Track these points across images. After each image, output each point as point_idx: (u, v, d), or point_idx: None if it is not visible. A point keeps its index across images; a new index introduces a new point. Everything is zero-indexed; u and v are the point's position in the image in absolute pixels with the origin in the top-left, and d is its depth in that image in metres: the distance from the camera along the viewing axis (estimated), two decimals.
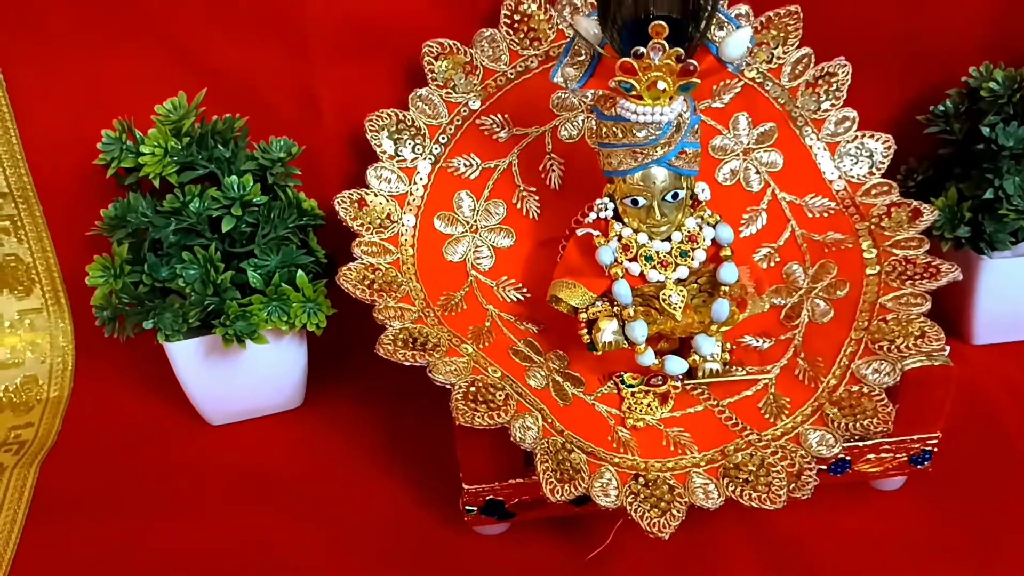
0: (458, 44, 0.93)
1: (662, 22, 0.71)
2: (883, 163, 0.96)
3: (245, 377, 0.92)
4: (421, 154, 0.93)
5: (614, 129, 0.79)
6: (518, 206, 0.95)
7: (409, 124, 0.93)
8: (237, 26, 0.93)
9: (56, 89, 0.94)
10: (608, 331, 0.83)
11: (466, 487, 0.81)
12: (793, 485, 0.77)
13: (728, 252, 0.83)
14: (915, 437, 0.84)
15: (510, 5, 0.95)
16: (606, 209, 0.83)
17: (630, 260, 0.82)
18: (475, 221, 0.94)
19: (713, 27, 0.75)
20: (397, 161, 0.92)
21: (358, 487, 0.91)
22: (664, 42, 0.72)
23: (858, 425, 0.79)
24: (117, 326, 0.86)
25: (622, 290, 0.81)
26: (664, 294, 0.82)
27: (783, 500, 0.75)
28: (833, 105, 0.97)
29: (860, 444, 0.84)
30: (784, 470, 0.77)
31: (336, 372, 1.02)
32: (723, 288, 0.83)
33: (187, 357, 0.89)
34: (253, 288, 0.87)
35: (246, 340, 0.86)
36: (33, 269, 1.02)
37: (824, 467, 0.85)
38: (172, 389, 0.94)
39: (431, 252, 0.91)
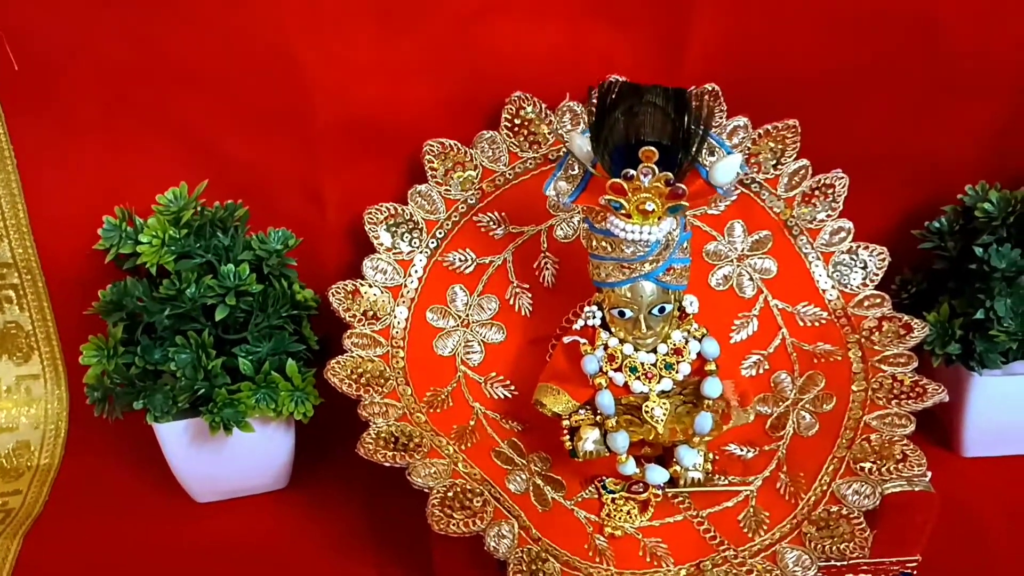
0: (458, 144, 0.95)
1: (653, 148, 0.72)
2: (877, 275, 0.97)
3: (231, 459, 0.93)
4: (418, 247, 0.94)
5: (603, 243, 0.80)
6: (511, 302, 0.96)
7: (407, 218, 0.94)
8: (247, 120, 0.96)
9: (66, 169, 0.97)
10: (589, 440, 0.84)
11: None
12: None
13: (713, 367, 0.83)
14: (893, 560, 0.84)
15: (511, 110, 0.97)
16: (594, 317, 0.84)
17: (615, 370, 0.83)
18: (467, 315, 0.94)
19: (704, 151, 0.76)
20: (394, 253, 0.94)
21: (329, 570, 0.91)
22: (654, 166, 0.73)
23: (834, 548, 0.79)
24: (107, 406, 0.88)
25: (605, 400, 0.82)
26: (647, 406, 0.83)
27: None
28: (829, 216, 0.98)
29: (836, 564, 0.84)
30: None
31: (322, 456, 1.02)
32: (706, 401, 0.83)
33: (175, 438, 0.90)
34: (243, 374, 0.88)
35: (232, 427, 0.87)
36: (33, 337, 1.03)
37: None
38: (160, 464, 0.95)
39: (421, 345, 0.92)
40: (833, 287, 0.97)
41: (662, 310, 0.81)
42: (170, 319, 0.87)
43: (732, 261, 0.98)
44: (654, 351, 0.83)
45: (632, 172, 0.74)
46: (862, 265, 0.97)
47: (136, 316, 0.87)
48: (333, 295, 0.89)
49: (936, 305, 0.97)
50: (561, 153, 0.93)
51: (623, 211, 0.76)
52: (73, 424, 1.06)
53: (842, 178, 0.97)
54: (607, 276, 0.80)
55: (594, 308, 0.84)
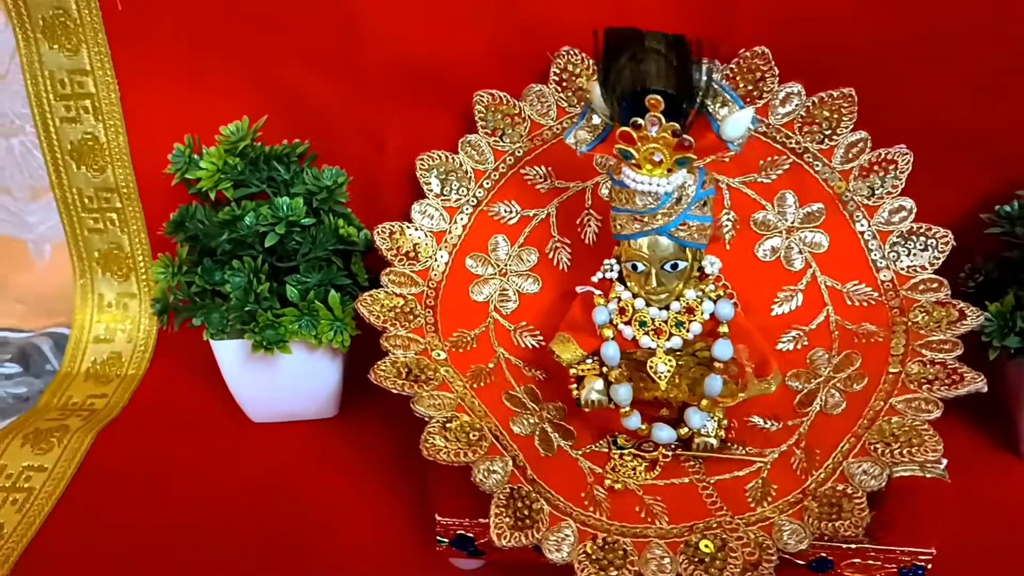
0: (508, 96, 0.97)
1: (657, 96, 0.73)
2: (938, 258, 0.92)
3: (279, 382, 0.99)
4: (465, 196, 0.98)
5: (620, 194, 0.80)
6: (550, 256, 0.97)
7: (457, 167, 0.98)
8: (313, 63, 1.02)
9: (160, 102, 1.06)
10: (593, 389, 0.85)
11: (438, 518, 0.85)
12: (750, 574, 0.76)
13: (725, 329, 0.82)
14: (904, 549, 0.80)
15: (559, 64, 0.98)
16: (611, 270, 0.85)
17: (625, 323, 0.83)
18: (506, 265, 0.97)
19: (717, 104, 0.76)
20: (442, 200, 0.97)
21: (367, 501, 0.96)
22: (660, 116, 0.73)
23: (828, 525, 0.76)
24: (166, 318, 0.96)
25: (609, 352, 0.82)
26: (651, 362, 0.83)
27: None
28: (889, 193, 0.93)
29: (843, 546, 0.81)
30: (743, 558, 0.76)
31: (370, 389, 1.07)
32: (717, 364, 0.82)
33: (229, 356, 0.98)
34: (291, 302, 0.94)
35: (273, 348, 0.93)
36: (131, 258, 1.14)
37: (802, 563, 0.82)
38: (223, 384, 1.03)
39: (458, 289, 0.95)
40: (888, 268, 0.93)
41: (675, 266, 0.81)
42: (230, 244, 0.94)
43: (781, 232, 0.95)
44: (667, 308, 0.83)
45: (640, 121, 0.74)
46: (922, 247, 0.92)
47: (200, 239, 0.95)
48: (378, 234, 0.94)
49: (1004, 296, 0.91)
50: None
51: (633, 161, 0.77)
52: (161, 341, 1.16)
53: (906, 154, 0.92)
54: (622, 228, 0.81)
55: (612, 261, 0.85)
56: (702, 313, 0.83)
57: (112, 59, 1.04)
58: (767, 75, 0.94)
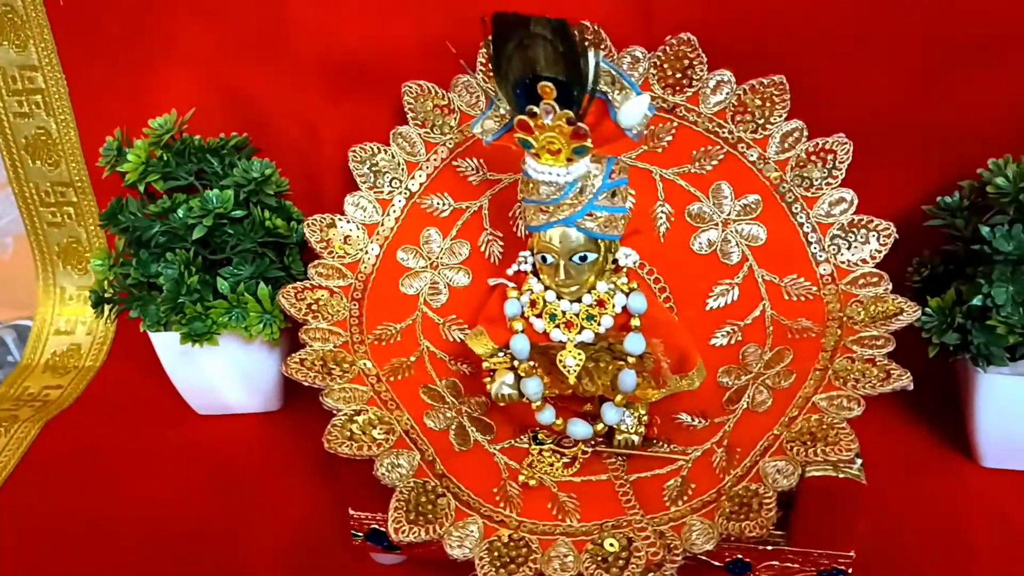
0: (436, 87, 0.96)
1: (549, 83, 0.71)
2: (879, 252, 0.88)
3: (216, 375, 1.00)
4: (398, 188, 0.97)
5: (527, 184, 0.78)
6: (482, 248, 0.96)
7: (389, 158, 0.97)
8: (248, 54, 1.02)
9: (108, 96, 1.07)
10: (502, 383, 0.83)
11: (351, 512, 0.84)
12: (650, 574, 0.74)
13: (637, 323, 0.80)
14: (822, 552, 0.77)
15: (485, 54, 0.96)
16: (526, 262, 0.83)
17: (536, 316, 0.82)
18: (438, 258, 0.96)
19: (616, 91, 0.74)
20: (375, 192, 0.96)
21: (301, 494, 0.95)
22: (554, 103, 0.72)
23: (734, 525, 0.74)
24: (102, 310, 0.97)
25: (517, 345, 0.80)
26: (561, 355, 0.81)
27: None
28: (828, 184, 0.90)
29: (760, 547, 0.78)
30: (646, 557, 0.74)
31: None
32: (630, 359, 0.80)
33: (167, 348, 0.98)
34: (223, 294, 0.94)
35: (201, 340, 0.93)
36: (89, 252, 1.15)
37: (720, 565, 0.80)
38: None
39: (387, 282, 0.94)
40: (828, 261, 0.89)
41: (584, 258, 0.78)
42: (164, 236, 0.94)
43: (717, 225, 0.93)
44: (578, 301, 0.81)
45: (535, 109, 0.72)
46: (863, 240, 0.89)
47: (133, 231, 0.95)
48: (308, 226, 0.93)
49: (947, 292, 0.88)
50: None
51: (533, 150, 0.75)
52: (121, 334, 1.17)
53: (845, 144, 0.89)
54: (530, 219, 0.79)
55: (527, 253, 0.83)
56: (613, 306, 0.81)
57: (58, 54, 1.05)
58: (695, 62, 0.91)
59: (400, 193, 0.96)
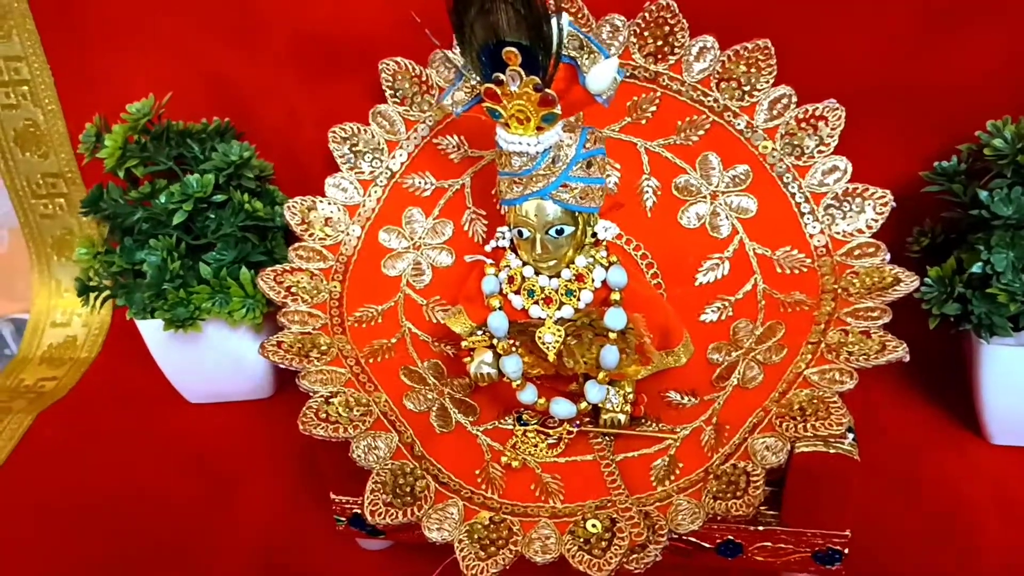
0: (413, 64, 0.94)
1: (513, 49, 0.68)
2: (876, 221, 0.84)
3: (204, 361, 0.99)
4: (379, 168, 0.95)
5: (501, 156, 0.76)
6: (465, 227, 0.93)
7: (369, 138, 0.95)
8: (227, 37, 1.00)
9: (94, 85, 1.06)
10: (480, 362, 0.81)
11: (332, 496, 0.82)
12: (633, 556, 0.71)
13: (617, 296, 0.77)
14: (816, 532, 0.74)
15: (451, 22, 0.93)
16: (503, 238, 0.81)
17: (514, 292, 0.79)
18: (421, 239, 0.94)
19: (584, 56, 0.71)
20: (356, 172, 0.95)
21: (289, 481, 0.95)
22: (519, 70, 0.69)
23: (721, 504, 0.71)
24: (88, 298, 0.96)
25: (495, 322, 0.78)
26: (540, 332, 0.78)
27: (610, 569, 0.70)
28: (821, 152, 0.87)
29: (752, 528, 0.75)
30: (630, 538, 0.71)
31: None
32: (611, 334, 0.77)
33: (154, 335, 0.97)
34: (206, 279, 0.93)
35: (185, 326, 0.92)
36: None
37: (709, 547, 0.77)
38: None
39: (369, 264, 0.92)
40: (823, 232, 0.86)
41: (560, 232, 0.76)
42: (147, 222, 0.93)
43: (706, 197, 0.89)
44: (557, 276, 0.79)
45: (501, 76, 0.70)
46: (859, 209, 0.86)
47: (115, 218, 0.95)
48: (288, 209, 0.92)
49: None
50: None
51: (502, 120, 0.73)
52: (116, 324, 1.17)
53: (836, 109, 0.85)
54: (505, 193, 0.77)
55: (505, 229, 0.81)
56: (593, 281, 0.78)
57: (42, 44, 1.04)
58: (676, 29, 0.88)
59: (381, 173, 0.95)
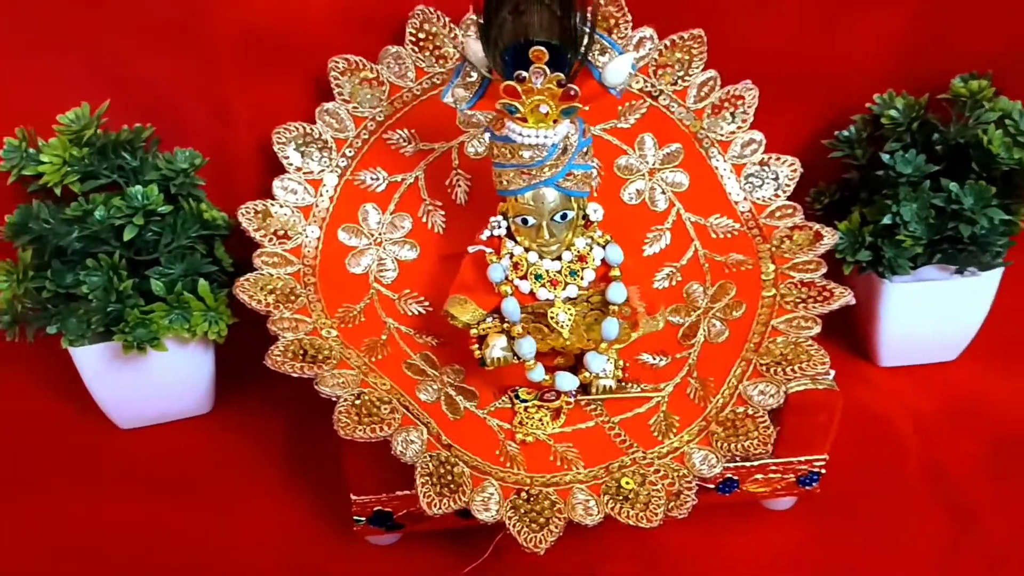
0: (364, 60, 0.94)
1: (542, 47, 0.73)
2: (788, 185, 0.98)
3: (150, 382, 0.93)
4: (328, 166, 0.94)
5: (504, 149, 0.80)
6: (424, 220, 0.96)
7: (316, 137, 0.94)
8: (149, 36, 0.94)
9: None
10: (496, 347, 0.85)
11: (354, 497, 0.83)
12: (672, 504, 0.79)
13: (617, 272, 0.84)
14: (802, 459, 0.86)
15: (415, 24, 0.96)
16: (499, 227, 0.85)
17: (520, 278, 0.84)
18: (380, 234, 0.95)
19: (596, 52, 0.76)
20: (304, 173, 0.94)
21: (256, 492, 0.92)
22: (545, 67, 0.74)
23: (739, 446, 0.80)
24: (18, 331, 0.88)
25: (510, 307, 0.82)
26: (552, 312, 0.83)
27: (659, 519, 0.76)
28: (739, 128, 0.98)
29: (747, 464, 0.85)
30: (664, 489, 0.78)
31: (244, 378, 1.03)
32: (612, 307, 0.84)
33: (92, 362, 0.91)
34: (157, 296, 0.88)
35: (146, 347, 0.87)
36: None
37: (712, 487, 0.86)
38: (83, 391, 0.95)
39: (334, 264, 0.92)
40: (745, 199, 0.98)
41: (564, 216, 0.81)
42: (80, 241, 0.87)
43: (644, 175, 0.98)
44: (559, 259, 0.84)
45: (524, 74, 0.74)
46: (773, 176, 0.98)
47: (46, 240, 0.87)
48: (243, 215, 0.89)
49: (849, 215, 0.98)
50: (458, 60, 0.92)
51: (518, 115, 0.76)
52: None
53: (751, 89, 0.98)
54: (509, 184, 0.81)
55: (499, 218, 0.84)
56: (593, 260, 0.84)
57: None
58: (620, 21, 0.96)
59: (331, 171, 0.94)
